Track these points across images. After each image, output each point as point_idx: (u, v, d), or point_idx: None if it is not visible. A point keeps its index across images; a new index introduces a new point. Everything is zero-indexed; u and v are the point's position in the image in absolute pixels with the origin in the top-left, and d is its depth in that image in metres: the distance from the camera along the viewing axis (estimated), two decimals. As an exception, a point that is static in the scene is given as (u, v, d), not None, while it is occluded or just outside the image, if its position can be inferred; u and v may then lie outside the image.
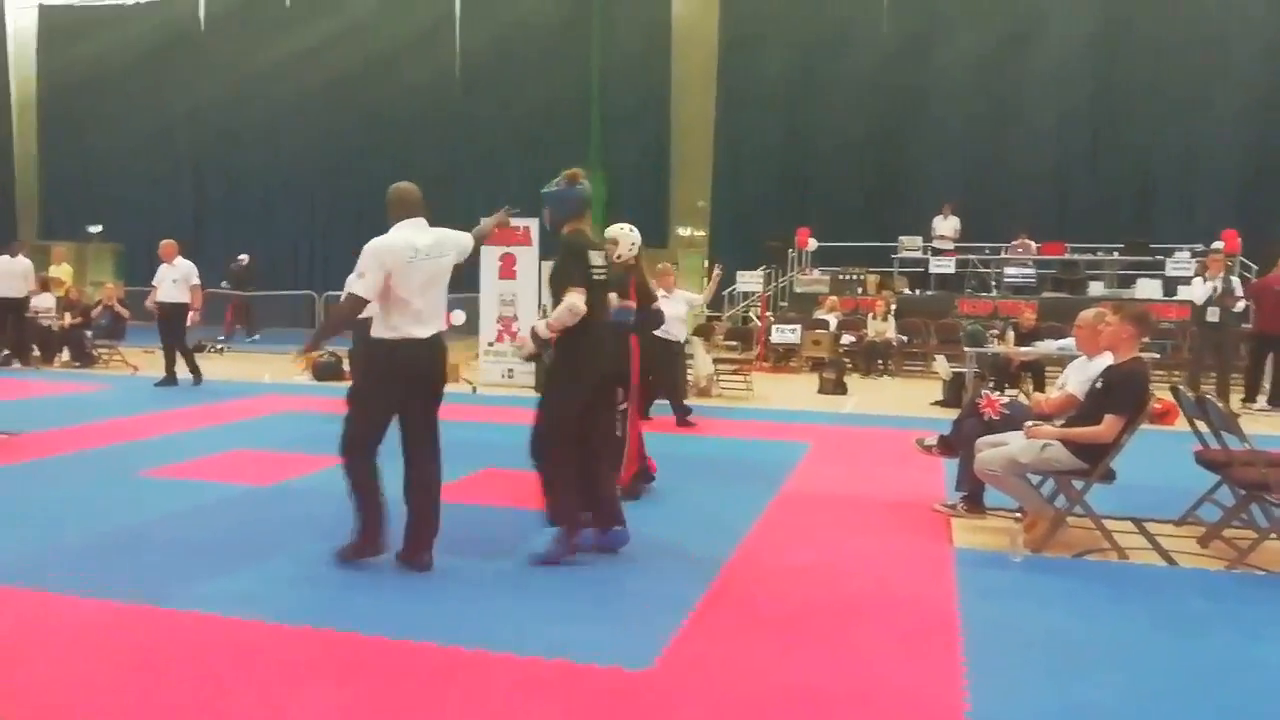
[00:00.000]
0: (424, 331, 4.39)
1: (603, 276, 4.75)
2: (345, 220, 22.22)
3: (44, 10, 25.08)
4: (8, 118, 25.21)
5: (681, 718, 3.03)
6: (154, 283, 11.32)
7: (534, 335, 4.70)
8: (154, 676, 3.26)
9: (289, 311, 20.72)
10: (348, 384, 10.19)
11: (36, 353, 13.50)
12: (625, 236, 5.90)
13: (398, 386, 4.43)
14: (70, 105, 24.78)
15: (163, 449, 7.35)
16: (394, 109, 22.19)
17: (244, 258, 18.87)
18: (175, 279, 11.16)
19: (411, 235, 4.47)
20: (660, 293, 8.07)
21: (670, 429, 8.92)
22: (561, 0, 21.03)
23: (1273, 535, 4.82)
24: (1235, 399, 10.98)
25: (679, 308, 9.36)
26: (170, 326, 11.17)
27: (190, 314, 11.24)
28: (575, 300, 4.44)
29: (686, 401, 9.51)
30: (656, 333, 7.88)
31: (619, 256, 5.77)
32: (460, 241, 4.78)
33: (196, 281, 11.28)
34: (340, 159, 22.81)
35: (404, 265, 4.34)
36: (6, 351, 13.09)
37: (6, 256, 13.14)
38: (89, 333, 13.81)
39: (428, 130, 22.02)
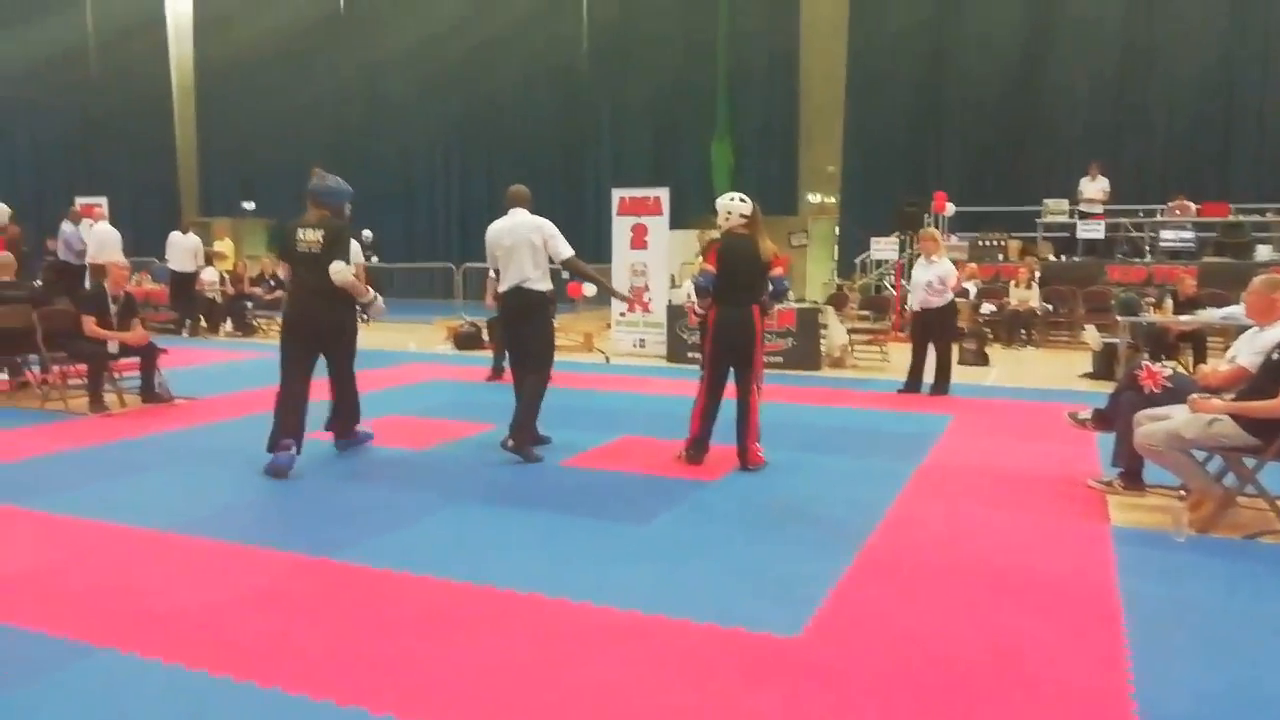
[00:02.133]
0: None
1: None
2: (478, 193, 22.81)
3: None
4: (169, 103, 26.89)
5: (834, 683, 3.06)
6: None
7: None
8: (335, 625, 3.51)
9: (428, 283, 21.51)
10: (488, 353, 10.60)
11: (203, 323, 14.47)
12: (723, 205, 6.03)
13: None
14: (223, 89, 26.20)
15: (322, 413, 7.78)
16: (523, 82, 22.53)
17: (367, 233, 19.43)
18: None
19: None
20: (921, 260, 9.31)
21: (800, 398, 8.86)
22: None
23: None
24: None
25: (928, 275, 9.15)
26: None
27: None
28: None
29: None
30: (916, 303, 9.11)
31: (719, 225, 6.06)
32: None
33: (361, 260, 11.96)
34: (472, 132, 23.39)
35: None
36: (189, 320, 14.10)
37: (178, 233, 14.12)
38: (249, 304, 14.70)
39: (556, 102, 22.29)
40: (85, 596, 3.77)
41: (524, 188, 6.47)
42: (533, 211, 6.36)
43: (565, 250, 6.23)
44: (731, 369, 5.97)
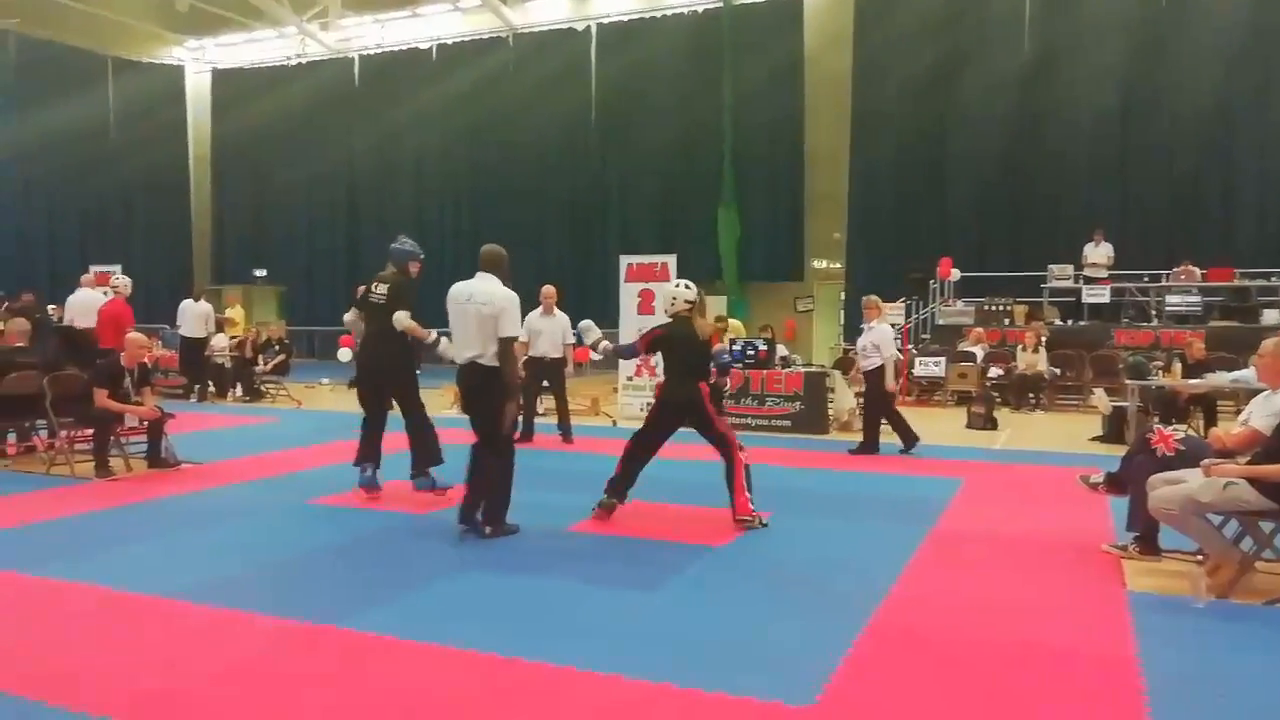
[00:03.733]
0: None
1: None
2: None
3: (217, 74, 27.24)
4: (187, 173, 27.45)
5: (848, 757, 2.97)
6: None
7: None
8: (338, 692, 3.44)
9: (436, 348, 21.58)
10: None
11: (212, 388, 14.51)
12: (668, 292, 6.46)
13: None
14: (239, 160, 26.76)
15: (327, 479, 7.76)
16: (532, 150, 22.93)
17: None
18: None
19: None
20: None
21: (813, 463, 8.80)
22: (693, 36, 21.30)
23: None
24: None
25: (864, 339, 9.67)
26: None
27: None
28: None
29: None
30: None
31: (666, 310, 6.44)
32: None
33: None
34: (482, 199, 23.74)
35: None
36: (198, 386, 14.14)
37: (190, 300, 14.24)
38: (258, 369, 14.75)
39: (564, 170, 22.64)
40: (86, 666, 3.71)
41: (497, 249, 5.89)
42: (506, 277, 5.82)
43: (507, 329, 5.62)
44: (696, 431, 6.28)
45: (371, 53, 25.22)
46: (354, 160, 25.40)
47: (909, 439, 9.33)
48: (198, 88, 27.47)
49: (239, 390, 14.64)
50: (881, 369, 9.41)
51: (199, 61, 27.47)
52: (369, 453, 6.86)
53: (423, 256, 7.07)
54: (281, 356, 14.95)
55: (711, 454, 6.28)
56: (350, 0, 24.66)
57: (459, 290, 5.75)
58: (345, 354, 15.13)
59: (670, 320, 6.37)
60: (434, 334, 6.73)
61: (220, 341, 14.98)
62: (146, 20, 25.77)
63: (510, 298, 5.64)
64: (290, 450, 9.46)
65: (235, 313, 16.68)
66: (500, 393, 5.68)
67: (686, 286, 6.40)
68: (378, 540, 5.83)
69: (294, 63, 26.06)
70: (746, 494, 6.05)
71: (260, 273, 25.55)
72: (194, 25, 26.32)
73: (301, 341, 21.22)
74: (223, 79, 27.18)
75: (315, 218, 25.81)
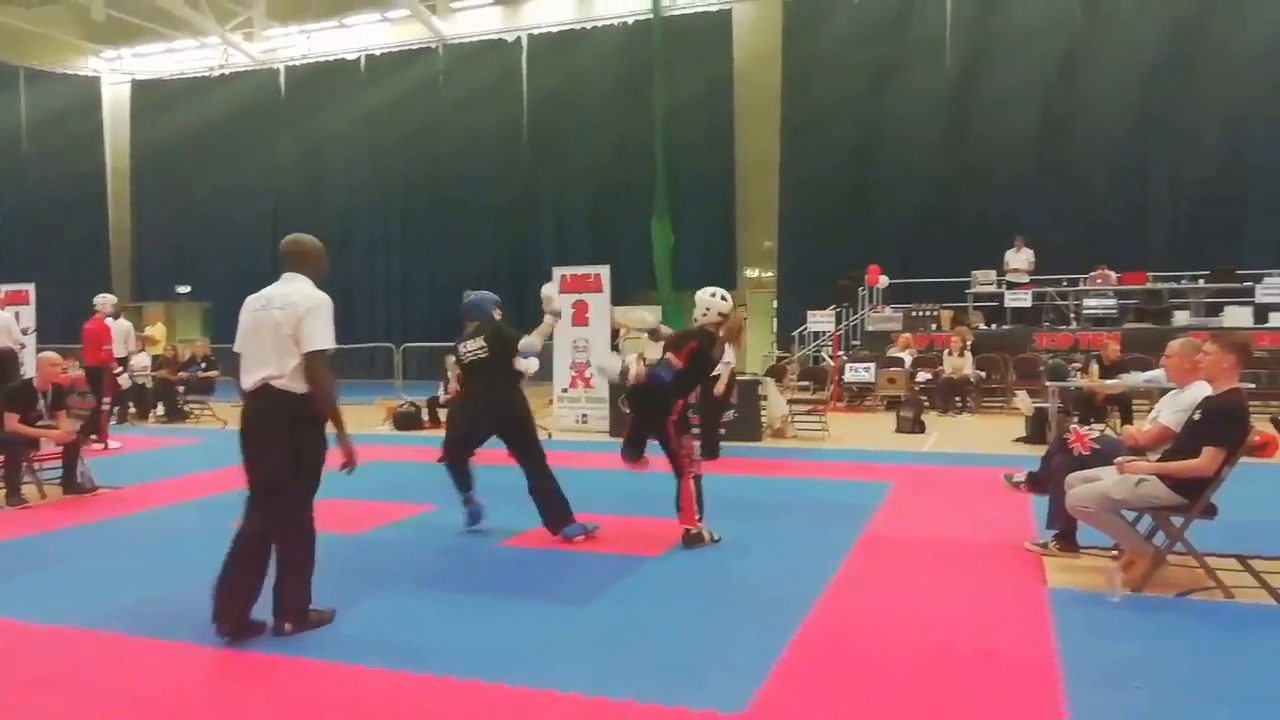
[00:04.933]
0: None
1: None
2: (419, 272, 22.83)
3: (136, 84, 26.51)
4: (104, 186, 26.61)
5: (778, 763, 3.00)
6: None
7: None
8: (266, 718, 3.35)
9: (368, 363, 21.27)
10: (428, 434, 10.47)
11: (132, 409, 14.06)
12: (703, 300, 5.93)
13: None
14: (159, 172, 26.08)
15: (254, 499, 7.58)
16: (464, 161, 22.81)
17: None
18: None
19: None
20: None
21: (741, 469, 8.88)
22: (624, 48, 21.43)
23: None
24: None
25: None
26: None
27: None
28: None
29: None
30: None
31: (696, 319, 5.97)
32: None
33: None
34: (412, 212, 23.50)
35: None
36: (116, 408, 13.69)
37: (109, 318, 13.76)
38: (181, 389, 14.35)
39: (497, 181, 22.55)
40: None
41: (304, 239, 4.39)
42: (318, 275, 4.34)
43: (314, 340, 4.07)
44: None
45: (297, 64, 24.81)
46: (280, 172, 24.96)
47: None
48: (115, 99, 26.73)
49: (160, 410, 14.22)
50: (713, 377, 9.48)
51: (116, 72, 26.72)
52: (467, 481, 6.36)
53: (499, 301, 6.48)
54: (213, 373, 14.57)
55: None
56: (275, 11, 24.25)
57: (255, 296, 4.29)
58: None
59: (699, 330, 5.87)
60: (546, 325, 6.26)
61: (141, 361, 14.54)
62: (61, 30, 25.01)
63: (320, 300, 4.16)
64: (215, 471, 9.19)
65: (156, 330, 16.20)
66: (307, 429, 4.11)
67: (724, 298, 5.85)
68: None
69: (217, 73, 25.51)
70: (693, 508, 5.86)
71: (184, 289, 24.90)
72: (111, 35, 25.63)
73: (228, 359, 20.65)
74: (142, 89, 26.50)
75: (240, 231, 25.24)
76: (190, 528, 6.67)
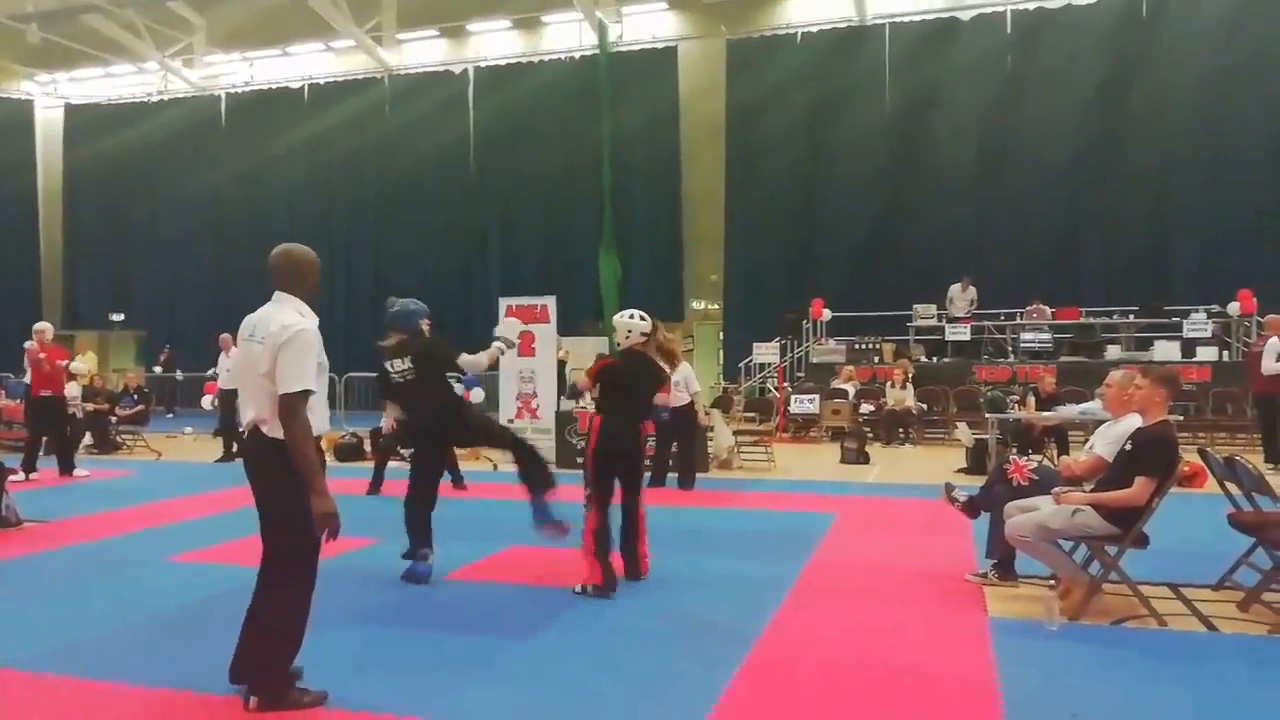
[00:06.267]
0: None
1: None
2: (362, 299, 22.56)
3: (70, 108, 25.94)
4: (34, 211, 25.89)
5: (724, 797, 2.98)
6: (215, 370, 13.07)
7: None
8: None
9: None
10: (369, 464, 10.31)
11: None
12: (622, 324, 5.94)
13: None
14: (93, 198, 25.49)
15: (188, 533, 7.37)
16: (410, 189, 22.70)
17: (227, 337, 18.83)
18: (229, 368, 12.30)
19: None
20: None
21: (688, 501, 8.88)
22: (570, 81, 21.57)
23: (1314, 597, 4.74)
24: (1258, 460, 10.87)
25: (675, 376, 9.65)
26: (226, 409, 12.36)
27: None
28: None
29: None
30: None
31: (618, 343, 6.00)
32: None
33: None
34: (356, 238, 23.25)
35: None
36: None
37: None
38: (113, 419, 13.94)
39: (443, 209, 22.47)
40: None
41: (295, 249, 3.86)
42: (311, 293, 3.82)
43: (287, 381, 3.50)
44: (618, 479, 5.74)
45: (239, 90, 24.53)
46: (220, 198, 24.57)
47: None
48: (48, 123, 26.10)
49: (89, 440, 13.78)
50: (689, 405, 9.79)
51: (50, 96, 26.14)
52: (425, 534, 5.85)
53: (428, 311, 6.21)
54: (140, 406, 14.21)
55: (581, 494, 5.96)
56: (216, 38, 23.99)
57: (245, 322, 3.82)
58: (208, 401, 14.50)
59: (623, 352, 5.86)
60: (494, 350, 6.27)
61: (72, 390, 14.07)
62: (-6, 53, 24.45)
63: (299, 331, 3.55)
64: (148, 504, 8.93)
65: (85, 361, 15.73)
66: (288, 484, 3.54)
67: (642, 318, 5.87)
68: (241, 597, 5.52)
69: (155, 99, 25.09)
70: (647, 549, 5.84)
71: (118, 317, 24.27)
72: (46, 60, 25.10)
73: (164, 389, 20.16)
74: (76, 113, 25.94)
75: (178, 259, 24.76)
76: (123, 562, 6.45)
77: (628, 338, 5.88)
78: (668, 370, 6.07)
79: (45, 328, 11.25)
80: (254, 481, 3.71)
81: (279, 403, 3.49)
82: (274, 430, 3.55)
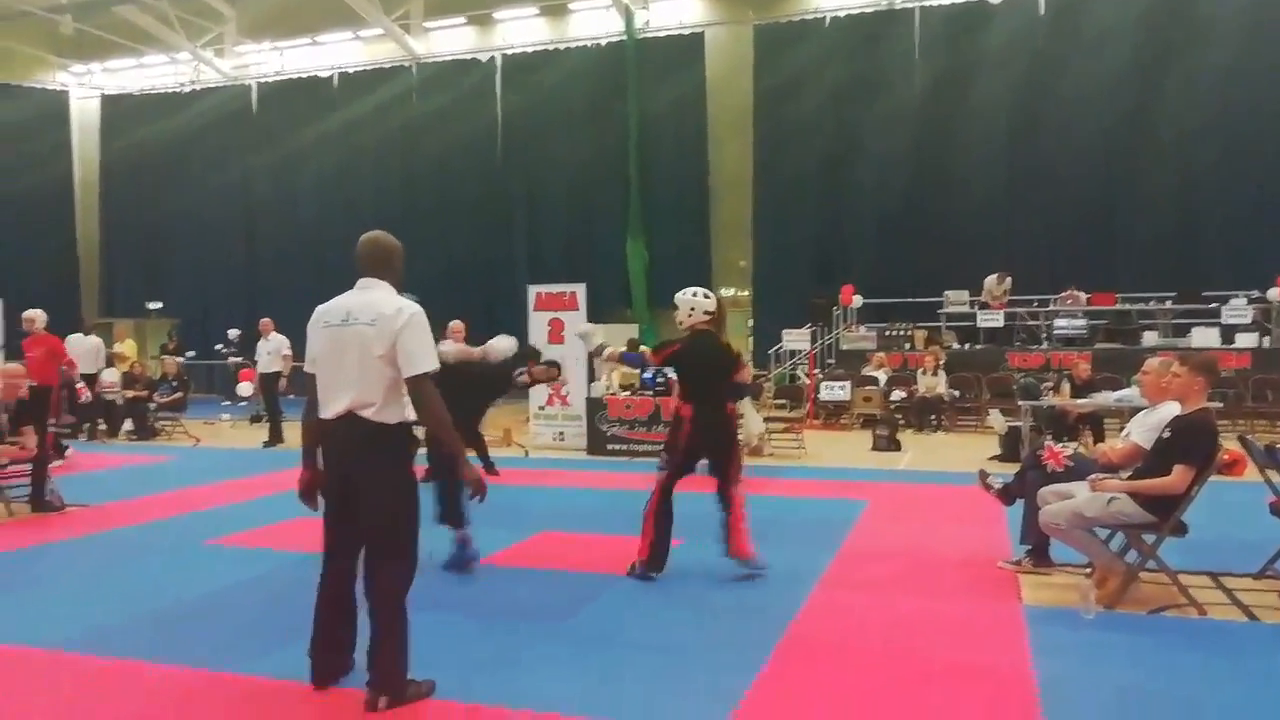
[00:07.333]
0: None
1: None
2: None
3: (106, 99, 26.26)
4: (71, 201, 26.27)
5: (760, 782, 3.00)
6: (255, 357, 13.10)
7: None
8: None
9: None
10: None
11: (102, 426, 13.86)
12: (685, 302, 5.67)
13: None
14: (129, 187, 25.77)
15: (227, 518, 7.50)
16: (438, 177, 22.76)
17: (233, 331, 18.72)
18: (269, 351, 12.65)
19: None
20: None
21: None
22: (597, 67, 21.47)
23: (1357, 587, 4.67)
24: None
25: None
26: (268, 394, 12.70)
27: (281, 380, 12.58)
28: None
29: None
30: None
31: (680, 323, 5.72)
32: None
33: (288, 353, 12.46)
34: (385, 227, 23.14)
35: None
36: (86, 425, 13.53)
37: (79, 334, 13.64)
38: (152, 405, 14.17)
39: (471, 197, 22.50)
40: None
41: (382, 237, 3.92)
42: (399, 281, 3.82)
43: (418, 362, 3.52)
44: (708, 463, 5.63)
45: (270, 80, 24.71)
46: (252, 187, 24.77)
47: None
48: (84, 113, 26.42)
49: (130, 427, 14.04)
50: None
51: (85, 87, 26.46)
52: (461, 516, 5.63)
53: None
54: (178, 393, 14.43)
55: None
56: (247, 28, 24.17)
57: (331, 309, 3.71)
58: (246, 388, 14.67)
59: (688, 334, 5.60)
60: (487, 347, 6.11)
61: (111, 376, 14.35)
62: (29, 44, 24.74)
63: (415, 312, 3.60)
64: (187, 489, 9.09)
65: (126, 347, 16.02)
66: (394, 458, 3.61)
67: (706, 296, 5.59)
68: (280, 580, 5.64)
69: (188, 89, 25.34)
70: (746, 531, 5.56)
71: (155, 305, 24.58)
72: (81, 50, 25.39)
73: (200, 375, 20.45)
74: (111, 104, 26.21)
75: (211, 246, 24.97)
76: (162, 546, 6.57)
77: (690, 316, 5.60)
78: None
79: (34, 315, 10.85)
80: (351, 467, 3.58)
81: (410, 384, 3.50)
82: (381, 414, 3.52)
